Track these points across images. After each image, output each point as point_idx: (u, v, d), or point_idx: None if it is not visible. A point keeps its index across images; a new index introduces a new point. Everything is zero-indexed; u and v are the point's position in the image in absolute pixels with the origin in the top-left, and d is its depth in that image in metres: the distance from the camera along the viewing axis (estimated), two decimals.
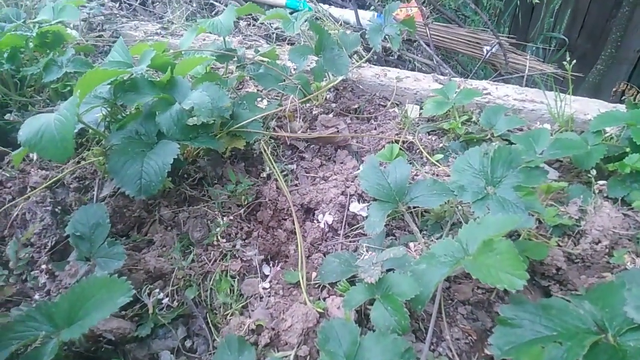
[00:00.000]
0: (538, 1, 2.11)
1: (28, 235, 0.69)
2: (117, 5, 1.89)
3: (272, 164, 0.92)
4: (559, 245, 0.75)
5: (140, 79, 0.75)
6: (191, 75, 0.97)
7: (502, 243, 0.54)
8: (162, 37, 1.50)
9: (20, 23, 1.18)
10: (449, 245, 0.61)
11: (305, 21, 1.11)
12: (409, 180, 0.75)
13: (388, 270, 0.65)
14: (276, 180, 0.91)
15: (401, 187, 0.74)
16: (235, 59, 1.05)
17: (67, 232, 0.67)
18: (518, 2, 2.37)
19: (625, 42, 2.94)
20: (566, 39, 2.75)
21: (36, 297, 0.70)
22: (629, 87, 2.45)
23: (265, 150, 0.94)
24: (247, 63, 1.07)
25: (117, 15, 1.70)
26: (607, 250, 0.75)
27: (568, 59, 1.01)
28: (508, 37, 1.79)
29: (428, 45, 1.69)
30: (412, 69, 1.77)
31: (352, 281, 0.69)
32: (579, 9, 3.08)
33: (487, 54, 1.70)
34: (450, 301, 0.69)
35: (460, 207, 0.77)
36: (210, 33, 1.48)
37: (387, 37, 1.17)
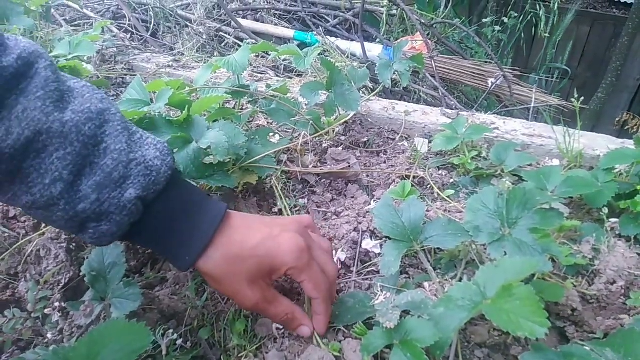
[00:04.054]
0: (548, 35, 2.16)
1: (48, 277, 0.69)
2: (129, 36, 1.94)
3: (283, 201, 0.92)
4: (573, 285, 0.75)
5: (158, 118, 0.76)
6: (205, 110, 0.99)
7: (522, 288, 0.54)
8: (175, 69, 1.53)
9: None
10: (467, 289, 0.60)
11: (315, 58, 1.14)
12: (423, 219, 0.75)
13: (403, 311, 0.65)
14: (288, 215, 0.92)
15: (416, 226, 0.74)
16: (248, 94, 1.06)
17: (83, 271, 0.66)
18: (522, 34, 2.42)
19: (625, 71, 3.00)
20: (569, 70, 2.79)
21: (49, 335, 0.69)
22: (631, 117, 2.46)
23: (276, 187, 0.95)
24: (259, 98, 1.09)
25: (129, 47, 1.74)
26: (622, 291, 0.74)
27: (576, 95, 1.02)
28: (512, 69, 1.82)
29: (434, 77, 1.72)
30: (418, 100, 1.80)
31: (367, 322, 0.68)
32: (579, 39, 3.14)
33: (492, 86, 1.73)
34: (466, 344, 0.68)
35: (474, 246, 0.77)
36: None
37: (396, 72, 1.19)
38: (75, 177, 0.51)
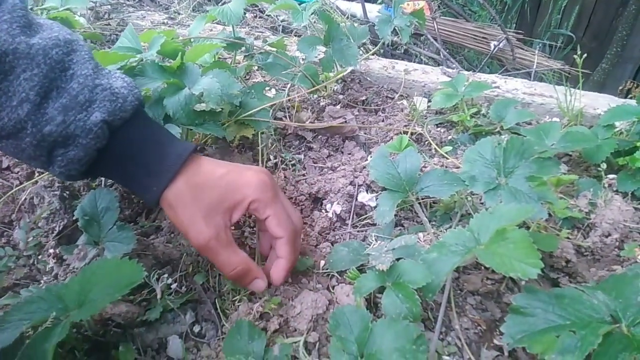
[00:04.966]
0: None
1: (37, 218, 0.69)
2: None
3: (263, 156, 0.92)
4: (568, 237, 0.75)
5: (151, 64, 0.75)
6: (199, 64, 0.97)
7: (515, 232, 0.54)
8: (170, 26, 1.49)
9: (28, 10, 1.18)
10: (460, 235, 0.60)
11: (313, 12, 1.11)
12: (419, 170, 0.74)
13: (397, 260, 0.65)
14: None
15: (411, 177, 0.73)
16: (244, 48, 1.04)
17: (76, 215, 0.66)
18: None
19: (631, 41, 2.93)
20: (573, 36, 2.74)
21: (44, 278, 0.69)
22: (635, 85, 2.43)
23: (267, 145, 0.93)
24: (256, 53, 1.06)
25: (124, 4, 1.69)
26: (617, 243, 0.75)
27: (579, 52, 1.00)
28: (516, 33, 1.78)
29: (435, 40, 1.68)
30: (419, 63, 1.76)
31: (361, 270, 0.69)
32: (585, 7, 3.07)
33: (494, 49, 1.69)
34: (459, 291, 0.69)
35: (470, 199, 0.77)
36: (218, 23, 1.47)
37: (396, 29, 1.16)
38: (42, 99, 0.51)
